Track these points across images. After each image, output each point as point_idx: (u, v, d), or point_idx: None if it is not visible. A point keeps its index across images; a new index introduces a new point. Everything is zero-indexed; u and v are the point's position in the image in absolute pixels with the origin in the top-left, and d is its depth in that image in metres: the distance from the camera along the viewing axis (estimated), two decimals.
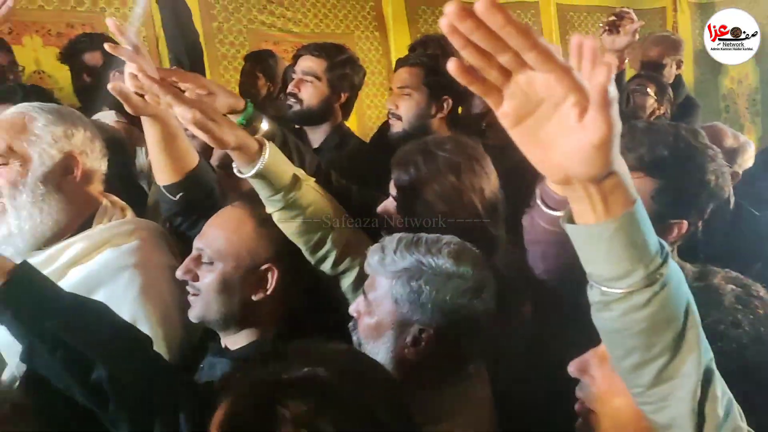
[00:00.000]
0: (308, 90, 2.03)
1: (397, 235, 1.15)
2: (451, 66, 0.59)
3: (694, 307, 0.74)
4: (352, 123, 2.41)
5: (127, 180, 1.99)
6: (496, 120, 0.65)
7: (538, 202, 1.14)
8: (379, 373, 0.84)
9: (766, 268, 1.66)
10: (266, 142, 1.20)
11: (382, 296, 1.11)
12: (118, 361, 1.02)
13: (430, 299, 1.07)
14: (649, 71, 2.91)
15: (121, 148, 1.92)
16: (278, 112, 2.21)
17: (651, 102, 2.70)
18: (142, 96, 1.26)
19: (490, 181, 1.39)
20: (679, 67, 3.12)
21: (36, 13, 3.08)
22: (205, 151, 1.71)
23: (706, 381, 0.75)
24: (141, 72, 1.19)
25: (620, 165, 0.66)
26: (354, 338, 1.15)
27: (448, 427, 1.04)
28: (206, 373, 1.28)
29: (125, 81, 1.23)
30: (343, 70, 2.07)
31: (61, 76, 2.97)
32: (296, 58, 2.13)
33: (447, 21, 0.57)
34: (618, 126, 0.61)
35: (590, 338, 0.82)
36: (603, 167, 0.64)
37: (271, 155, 1.18)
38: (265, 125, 1.41)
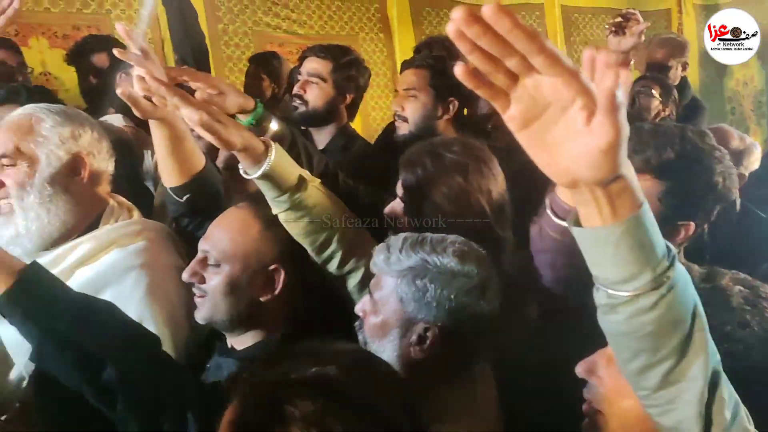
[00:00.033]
0: (314, 91, 2.04)
1: (402, 235, 1.15)
2: (458, 71, 0.59)
3: (701, 310, 0.74)
4: (356, 124, 2.42)
5: (134, 181, 2.00)
6: (501, 122, 0.65)
7: (548, 211, 1.14)
8: (388, 373, 0.84)
9: None
10: (272, 143, 1.20)
11: (388, 295, 1.11)
12: (127, 360, 1.02)
13: (435, 297, 1.07)
14: (655, 73, 2.91)
15: (128, 149, 1.93)
16: (283, 114, 2.21)
17: (656, 103, 2.69)
18: (149, 100, 1.27)
19: (497, 183, 1.39)
20: (684, 69, 3.11)
21: (42, 15, 3.09)
22: (211, 153, 1.72)
23: (713, 384, 0.75)
24: (148, 74, 1.20)
25: (627, 168, 0.66)
26: (360, 337, 1.16)
27: (454, 426, 1.05)
28: (213, 373, 1.28)
29: (133, 83, 1.24)
30: (348, 72, 2.07)
31: (67, 77, 2.99)
32: (302, 59, 2.14)
33: (454, 26, 0.57)
34: (626, 130, 0.61)
35: (596, 340, 0.82)
36: (610, 171, 0.64)
37: (277, 156, 1.19)
38: (274, 125, 1.42)
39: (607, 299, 0.72)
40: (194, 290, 1.27)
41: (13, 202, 1.37)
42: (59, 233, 1.39)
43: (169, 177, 1.45)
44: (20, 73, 2.51)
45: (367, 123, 3.87)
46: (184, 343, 1.34)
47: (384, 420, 0.73)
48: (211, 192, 1.48)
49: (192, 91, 1.29)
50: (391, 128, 2.25)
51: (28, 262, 1.09)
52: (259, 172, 1.18)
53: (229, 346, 1.31)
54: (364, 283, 1.24)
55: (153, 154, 1.97)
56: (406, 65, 2.12)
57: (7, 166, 1.37)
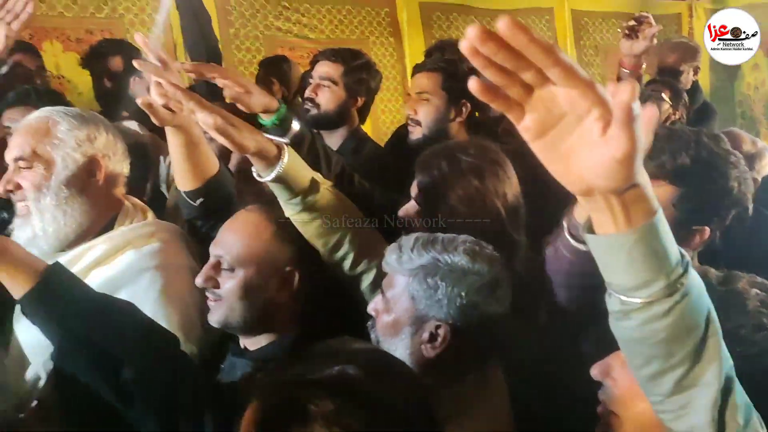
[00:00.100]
0: (325, 95, 2.05)
1: (414, 234, 1.16)
2: (473, 86, 0.59)
3: (714, 316, 0.74)
4: (366, 128, 2.42)
5: (148, 183, 2.01)
6: (512, 125, 0.65)
7: (565, 234, 1.14)
8: (405, 372, 0.85)
9: None
10: (285, 146, 1.22)
11: (400, 293, 1.12)
12: (146, 360, 1.04)
13: (446, 295, 1.08)
14: (665, 77, 2.90)
15: (144, 152, 1.95)
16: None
17: (666, 107, 2.68)
18: (168, 108, 1.29)
19: (511, 186, 1.40)
20: (696, 73, 3.10)
21: (56, 19, 3.13)
22: (224, 156, 1.74)
23: (727, 389, 0.75)
24: (165, 80, 1.22)
25: (642, 176, 0.66)
26: (372, 336, 1.16)
27: (467, 425, 1.05)
28: (227, 373, 1.29)
29: (150, 88, 1.26)
30: (359, 75, 2.08)
31: (81, 81, 3.01)
32: (313, 63, 2.16)
33: (468, 44, 0.57)
34: (642, 141, 0.61)
35: (608, 343, 0.82)
36: (626, 180, 0.64)
37: (290, 159, 1.20)
38: (296, 125, 1.44)
39: (620, 306, 0.72)
40: (208, 294, 1.27)
41: (29, 204, 1.39)
42: (75, 235, 1.41)
43: (184, 181, 1.46)
44: (39, 76, 2.53)
45: (377, 126, 3.87)
46: (198, 343, 1.35)
47: (402, 419, 0.73)
48: (224, 195, 1.49)
49: (217, 90, 1.31)
50: (401, 131, 2.26)
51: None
52: (273, 175, 1.19)
53: (242, 346, 1.32)
54: (377, 284, 1.25)
55: (168, 159, 2.00)
56: (418, 69, 2.13)
57: (24, 168, 1.38)
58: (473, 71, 0.58)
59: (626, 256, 0.68)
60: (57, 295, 1.06)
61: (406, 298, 1.11)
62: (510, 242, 1.34)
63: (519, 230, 1.38)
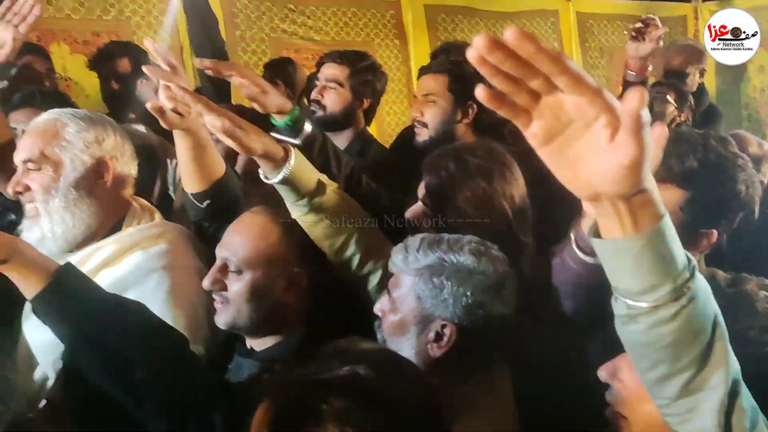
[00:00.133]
0: (331, 96, 2.06)
1: (420, 235, 1.17)
2: (480, 94, 0.60)
3: (721, 320, 0.74)
4: (371, 129, 2.43)
5: (156, 184, 2.02)
6: (516, 128, 0.66)
7: (573, 246, 1.14)
8: (414, 372, 0.86)
9: None
10: (291, 148, 1.22)
11: (406, 293, 1.13)
12: (157, 360, 1.04)
13: (451, 294, 1.09)
14: (671, 79, 2.89)
15: (152, 154, 1.96)
16: None
17: (671, 109, 2.67)
18: (176, 112, 1.30)
19: (519, 188, 1.40)
20: (702, 75, 3.09)
21: (63, 21, 3.14)
22: (230, 158, 1.75)
23: (733, 393, 0.75)
24: (174, 83, 1.23)
25: (650, 181, 0.66)
26: (378, 336, 1.17)
27: (471, 425, 1.05)
28: (234, 373, 1.29)
29: (159, 92, 1.26)
30: (365, 77, 2.09)
31: (88, 83, 3.02)
32: (319, 65, 2.17)
33: (476, 53, 0.57)
34: (650, 147, 0.61)
35: (616, 346, 0.82)
36: (633, 186, 0.64)
37: (297, 161, 1.21)
38: (308, 127, 1.44)
39: (627, 310, 0.72)
40: (215, 296, 1.27)
41: (38, 205, 1.40)
42: (83, 236, 1.41)
43: (191, 183, 1.47)
44: (48, 78, 2.54)
45: (382, 128, 3.88)
46: (205, 344, 1.35)
47: (411, 418, 0.74)
48: (230, 197, 1.50)
49: (224, 92, 1.31)
50: (407, 133, 2.26)
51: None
52: (279, 177, 1.20)
53: (249, 347, 1.32)
54: (383, 285, 1.25)
55: (175, 162, 2.00)
56: (424, 71, 2.13)
57: (33, 170, 1.39)
58: (479, 74, 0.58)
59: (633, 261, 0.68)
60: (69, 296, 1.06)
61: (412, 297, 1.12)
62: (517, 244, 1.34)
63: (526, 232, 1.39)
